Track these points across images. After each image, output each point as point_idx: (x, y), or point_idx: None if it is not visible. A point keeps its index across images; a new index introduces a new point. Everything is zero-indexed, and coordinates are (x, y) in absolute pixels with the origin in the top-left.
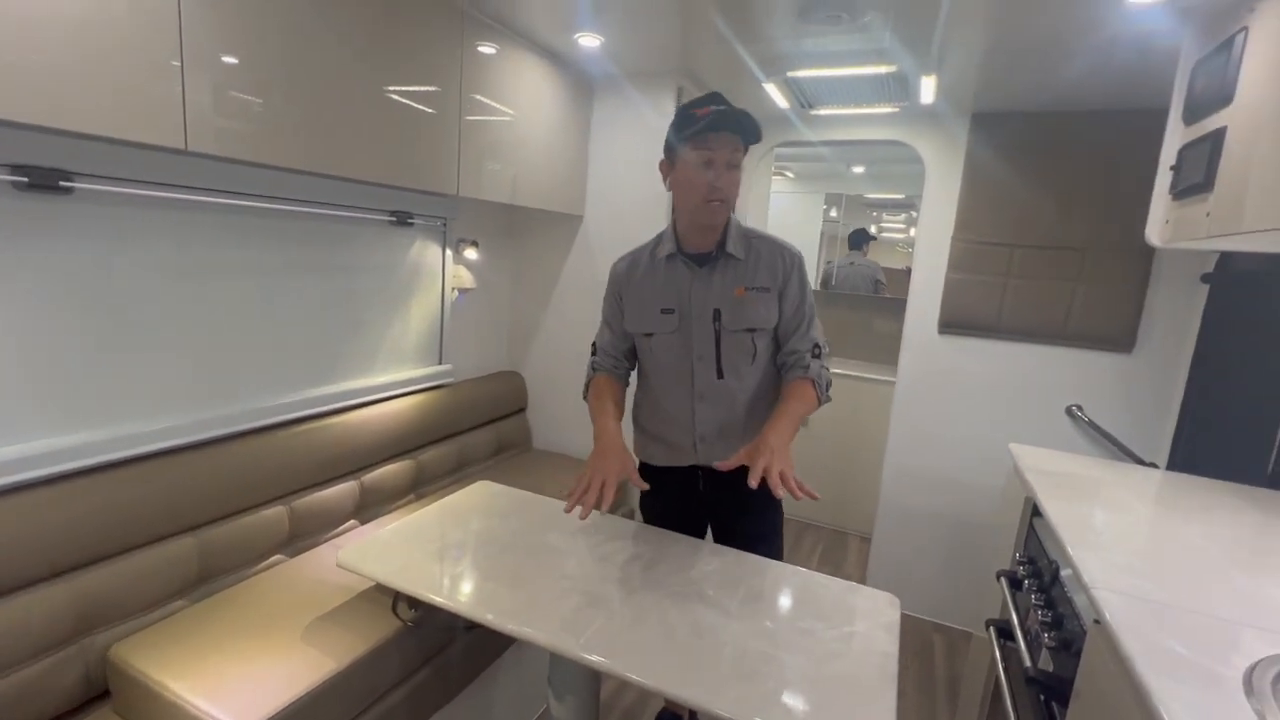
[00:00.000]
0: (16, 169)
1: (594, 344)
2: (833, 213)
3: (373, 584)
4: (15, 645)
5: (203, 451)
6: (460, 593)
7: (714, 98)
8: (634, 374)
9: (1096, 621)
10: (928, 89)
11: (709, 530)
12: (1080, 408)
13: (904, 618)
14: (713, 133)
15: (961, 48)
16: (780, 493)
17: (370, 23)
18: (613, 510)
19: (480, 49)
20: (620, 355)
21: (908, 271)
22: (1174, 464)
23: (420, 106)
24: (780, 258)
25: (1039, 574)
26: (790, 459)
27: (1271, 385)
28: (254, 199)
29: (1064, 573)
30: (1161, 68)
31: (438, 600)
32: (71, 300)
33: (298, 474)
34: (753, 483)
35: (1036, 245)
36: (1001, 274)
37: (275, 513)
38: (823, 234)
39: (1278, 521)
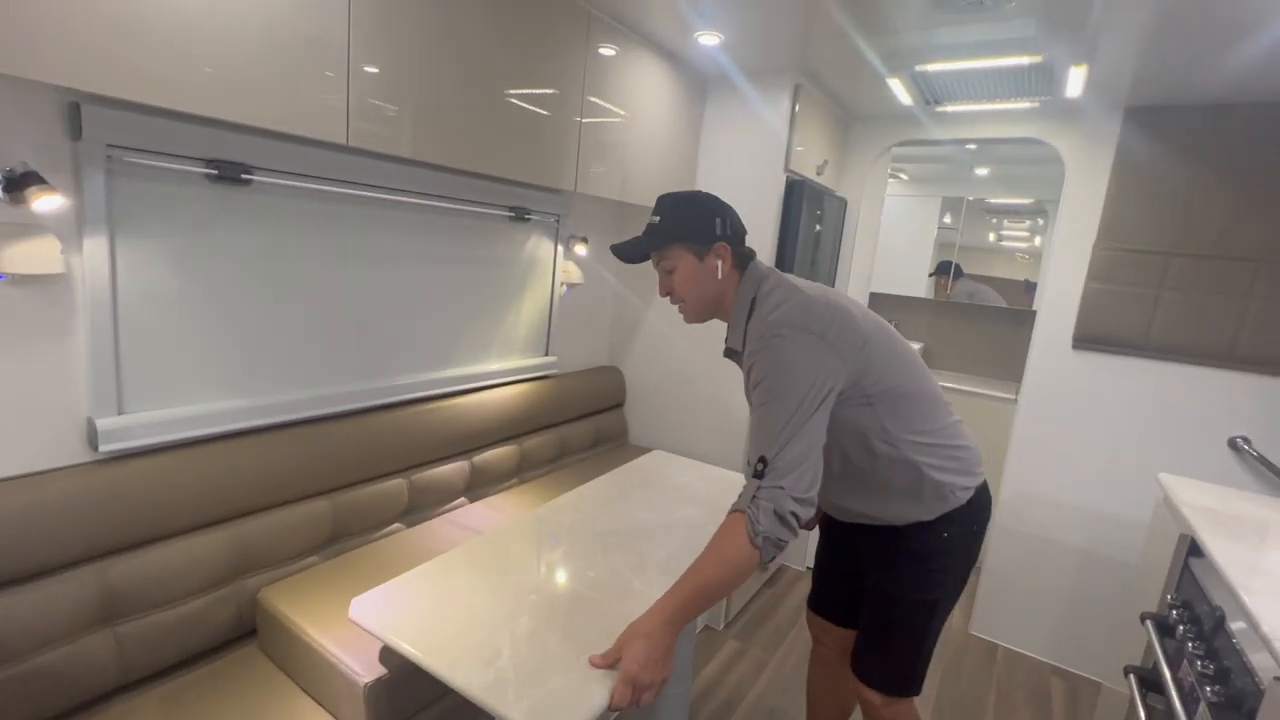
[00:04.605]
0: (209, 162)
1: None
2: (946, 218)
3: None
4: (185, 581)
5: (341, 423)
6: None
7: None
8: None
9: (1278, 678)
10: (1075, 81)
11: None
12: (1247, 440)
13: (1018, 657)
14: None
15: (1120, 32)
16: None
17: (500, 31)
18: None
19: (601, 51)
20: None
21: (1025, 285)
22: None
23: (539, 109)
24: (755, 340)
25: (1197, 620)
26: (658, 660)
27: None
28: (394, 193)
29: (1233, 624)
30: None
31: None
32: (245, 280)
33: (419, 449)
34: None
35: (1199, 254)
36: (1153, 285)
37: (397, 484)
38: (937, 243)
39: None
